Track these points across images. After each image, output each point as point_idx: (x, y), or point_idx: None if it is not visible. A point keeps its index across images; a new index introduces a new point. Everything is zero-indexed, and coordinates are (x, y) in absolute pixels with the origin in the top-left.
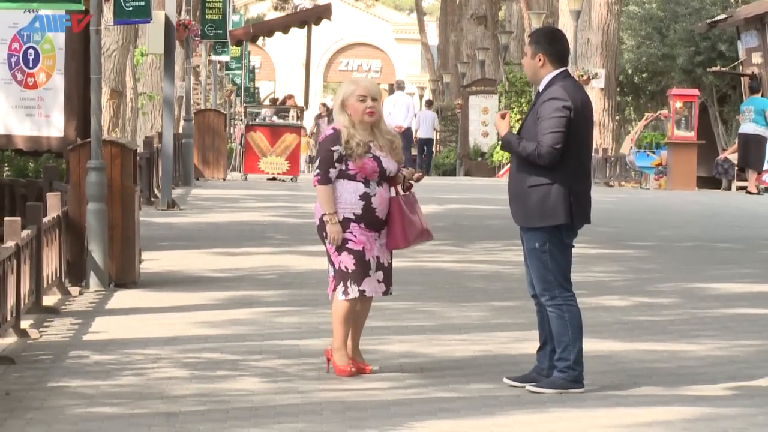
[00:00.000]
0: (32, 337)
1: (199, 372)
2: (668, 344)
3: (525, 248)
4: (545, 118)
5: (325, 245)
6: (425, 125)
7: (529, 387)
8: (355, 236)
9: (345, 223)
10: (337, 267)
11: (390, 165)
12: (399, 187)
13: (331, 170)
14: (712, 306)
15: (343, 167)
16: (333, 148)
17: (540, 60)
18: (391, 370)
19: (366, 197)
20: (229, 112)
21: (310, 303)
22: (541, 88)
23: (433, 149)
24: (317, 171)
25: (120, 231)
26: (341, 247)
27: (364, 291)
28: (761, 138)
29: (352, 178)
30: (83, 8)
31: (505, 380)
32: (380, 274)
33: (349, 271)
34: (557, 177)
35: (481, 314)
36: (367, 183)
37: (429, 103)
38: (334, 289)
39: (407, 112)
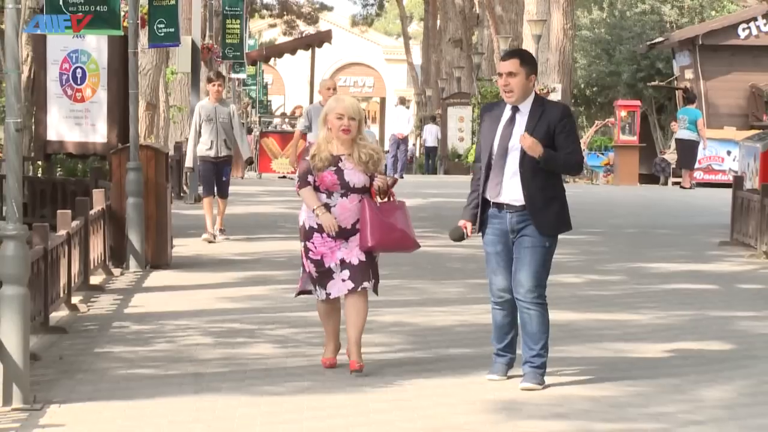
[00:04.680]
0: (81, 310)
1: (222, 339)
2: (615, 314)
3: (523, 246)
4: (572, 131)
5: (301, 247)
6: (430, 136)
7: (522, 386)
8: (315, 246)
9: (309, 233)
10: (306, 270)
11: (355, 178)
12: (376, 196)
13: (309, 176)
14: (652, 282)
15: (314, 179)
16: (306, 158)
17: (531, 80)
18: (383, 337)
19: (326, 208)
20: (246, 121)
21: None
22: (526, 105)
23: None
24: (297, 179)
25: (155, 221)
26: (305, 253)
27: (329, 294)
28: (693, 143)
29: (318, 189)
30: (123, 35)
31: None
32: (345, 273)
33: (314, 276)
34: (562, 187)
35: (459, 290)
36: (329, 194)
37: (433, 118)
38: (303, 289)
39: (407, 123)
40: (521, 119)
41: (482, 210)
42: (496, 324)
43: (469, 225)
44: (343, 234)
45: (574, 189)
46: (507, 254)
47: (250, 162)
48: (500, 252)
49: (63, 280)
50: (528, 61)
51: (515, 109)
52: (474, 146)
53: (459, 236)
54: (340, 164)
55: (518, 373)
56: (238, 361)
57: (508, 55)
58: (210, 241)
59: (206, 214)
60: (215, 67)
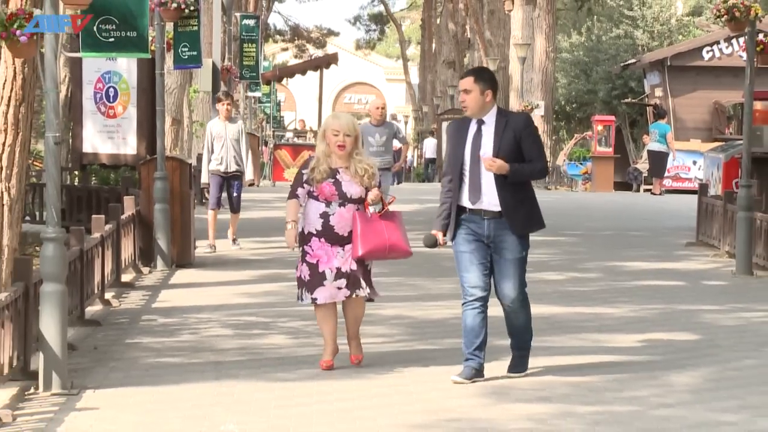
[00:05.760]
0: (113, 305)
1: (240, 331)
2: (593, 308)
3: (504, 258)
4: (536, 140)
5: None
6: (430, 149)
7: (509, 373)
8: (312, 250)
9: (308, 237)
10: (298, 274)
11: (352, 189)
12: (369, 208)
13: (300, 189)
14: (626, 279)
15: (312, 189)
16: (303, 171)
17: (488, 96)
18: (384, 329)
19: (325, 216)
20: (261, 135)
21: None
22: (490, 117)
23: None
24: (290, 188)
25: (179, 225)
26: (302, 258)
27: (316, 299)
28: (663, 154)
29: (316, 198)
30: (150, 57)
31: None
32: (341, 282)
33: (305, 280)
34: (531, 189)
35: (452, 286)
36: (328, 204)
37: (432, 132)
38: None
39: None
40: (488, 130)
41: (456, 216)
42: (467, 327)
43: (440, 235)
44: (340, 241)
45: (556, 195)
46: (480, 254)
47: (250, 184)
48: (474, 251)
49: (97, 278)
50: (482, 79)
51: (480, 122)
52: None
53: (432, 243)
54: (338, 176)
55: (506, 361)
56: (254, 350)
57: (465, 73)
58: (211, 252)
59: (210, 226)
60: (232, 86)
